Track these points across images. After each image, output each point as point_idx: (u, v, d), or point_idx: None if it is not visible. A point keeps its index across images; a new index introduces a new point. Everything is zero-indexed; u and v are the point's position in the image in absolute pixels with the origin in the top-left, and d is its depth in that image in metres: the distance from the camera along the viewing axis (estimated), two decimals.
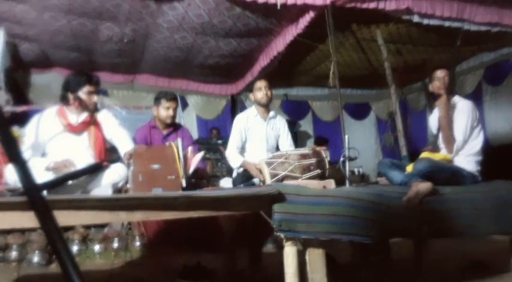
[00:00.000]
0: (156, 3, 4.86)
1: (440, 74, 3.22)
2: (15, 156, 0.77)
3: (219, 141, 7.32)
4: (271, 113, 3.89)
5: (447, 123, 3.07)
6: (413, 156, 3.65)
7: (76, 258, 3.23)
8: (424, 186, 2.55)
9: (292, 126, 8.35)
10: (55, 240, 0.77)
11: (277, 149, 3.89)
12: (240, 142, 3.77)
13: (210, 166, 6.85)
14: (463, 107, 3.12)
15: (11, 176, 2.69)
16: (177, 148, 2.68)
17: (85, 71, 3.49)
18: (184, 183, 2.62)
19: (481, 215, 2.67)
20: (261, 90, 3.74)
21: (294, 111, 8.92)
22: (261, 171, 3.29)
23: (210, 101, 8.46)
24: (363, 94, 9.08)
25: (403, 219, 2.51)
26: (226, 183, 4.05)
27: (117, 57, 6.54)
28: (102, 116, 3.21)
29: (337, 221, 2.26)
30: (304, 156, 2.81)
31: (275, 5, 4.45)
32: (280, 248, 2.57)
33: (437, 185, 2.66)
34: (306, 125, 9.07)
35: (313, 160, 2.79)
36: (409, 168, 2.90)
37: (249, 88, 4.04)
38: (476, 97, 6.87)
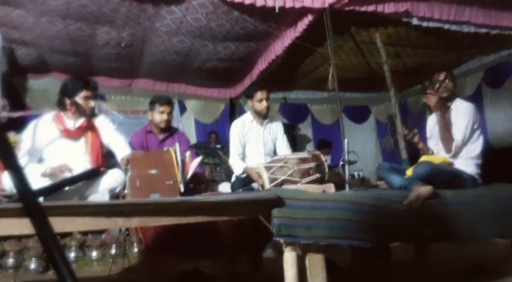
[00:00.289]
0: (153, 8, 4.85)
1: (441, 76, 3.20)
2: (10, 163, 0.75)
3: (218, 146, 7.29)
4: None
5: (444, 123, 3.05)
6: (413, 159, 3.63)
7: (73, 265, 3.22)
8: (425, 189, 2.54)
9: (292, 129, 8.35)
10: (51, 247, 0.75)
11: (276, 152, 3.88)
12: (241, 148, 3.77)
13: (208, 171, 6.83)
14: (464, 109, 3.10)
15: (8, 182, 2.66)
16: (175, 153, 2.66)
17: (82, 76, 3.47)
18: (182, 188, 2.60)
19: (481, 218, 2.66)
20: (261, 102, 3.71)
21: (293, 115, 8.91)
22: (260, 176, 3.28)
23: (209, 105, 8.44)
24: (363, 97, 9.06)
25: (404, 223, 2.49)
26: (225, 188, 4.03)
27: (115, 62, 6.52)
28: (99, 122, 3.18)
29: (337, 225, 2.24)
30: (303, 161, 2.79)
31: (273, 8, 4.45)
32: (279, 253, 2.54)
33: (438, 189, 2.64)
34: (306, 128, 9.06)
35: (312, 164, 2.77)
36: (409, 171, 2.88)
37: (246, 93, 4.01)
38: (476, 99, 6.86)
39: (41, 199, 2.59)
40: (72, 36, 5.48)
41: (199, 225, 2.43)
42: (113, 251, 4.04)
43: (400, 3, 4.67)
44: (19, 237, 3.84)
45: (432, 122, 3.31)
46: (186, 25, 5.27)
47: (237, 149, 3.75)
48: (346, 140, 2.85)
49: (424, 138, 3.37)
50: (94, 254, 4.04)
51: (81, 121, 3.09)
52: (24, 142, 2.99)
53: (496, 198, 2.76)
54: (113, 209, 1.96)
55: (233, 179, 3.76)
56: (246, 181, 3.48)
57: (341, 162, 2.71)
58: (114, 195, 2.93)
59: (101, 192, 2.88)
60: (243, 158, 3.77)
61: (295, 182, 2.67)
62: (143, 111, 7.43)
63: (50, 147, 3.01)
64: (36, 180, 2.63)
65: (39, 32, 5.36)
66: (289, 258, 2.18)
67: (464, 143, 3.03)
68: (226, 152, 4.17)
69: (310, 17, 4.83)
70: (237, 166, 3.70)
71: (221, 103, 8.51)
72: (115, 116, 3.48)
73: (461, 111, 3.09)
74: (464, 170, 2.99)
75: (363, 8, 4.60)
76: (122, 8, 4.80)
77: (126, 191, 2.76)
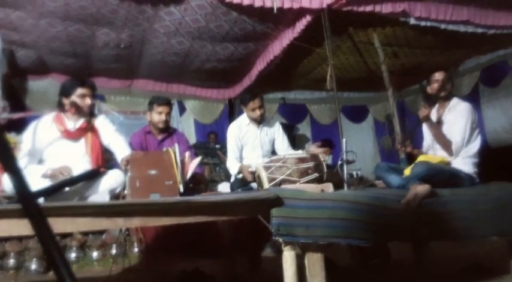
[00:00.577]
0: (152, 9, 4.87)
1: (438, 76, 3.22)
2: (9, 164, 0.77)
3: (217, 146, 7.31)
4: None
5: (437, 132, 3.09)
6: (411, 158, 3.65)
7: (74, 265, 3.24)
8: (423, 188, 2.55)
9: (291, 130, 8.36)
10: (50, 248, 0.76)
11: (274, 152, 3.89)
12: (238, 152, 3.81)
13: (208, 171, 6.84)
14: (462, 109, 3.12)
15: (8, 183, 2.67)
16: (175, 153, 2.67)
17: (80, 76, 3.48)
18: (182, 189, 2.61)
19: (479, 217, 2.67)
20: (254, 111, 3.73)
21: (292, 115, 8.93)
22: (251, 173, 3.31)
23: (208, 106, 8.46)
24: (361, 97, 9.08)
25: (402, 222, 2.51)
26: (224, 188, 4.05)
27: (114, 63, 6.54)
28: (99, 122, 3.20)
29: (336, 225, 2.25)
30: (302, 160, 2.81)
31: (272, 9, 4.47)
32: (279, 252, 2.55)
33: (436, 188, 2.65)
34: (304, 128, 9.08)
35: (311, 164, 2.78)
36: (407, 171, 2.89)
37: (240, 99, 4.01)
38: (473, 99, 6.87)
39: (41, 200, 2.61)
40: (71, 37, 5.50)
41: (198, 225, 2.44)
42: (114, 251, 4.04)
43: (397, 3, 4.70)
44: (20, 238, 3.84)
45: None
46: (185, 26, 5.29)
47: (234, 153, 3.79)
48: (344, 140, 2.86)
49: (421, 138, 3.40)
50: (95, 254, 4.05)
51: (81, 122, 3.10)
52: (25, 143, 3.00)
53: (493, 197, 2.77)
54: (113, 209, 1.98)
55: (232, 179, 3.78)
56: (245, 181, 3.50)
57: (339, 162, 2.72)
58: (114, 195, 2.94)
59: (101, 192, 2.89)
60: (240, 161, 3.80)
61: (293, 182, 2.69)
62: (143, 112, 7.43)
63: (50, 148, 3.02)
64: (37, 181, 2.64)
65: (38, 33, 5.37)
66: (289, 257, 2.19)
67: (465, 143, 3.04)
68: (225, 152, 4.19)
69: (308, 18, 4.86)
70: (232, 167, 3.74)
71: (220, 103, 8.53)
72: (115, 116, 3.50)
73: (459, 112, 3.10)
74: (462, 169, 3.01)
75: (361, 9, 4.63)
76: (121, 10, 4.82)
77: (126, 192, 2.77)
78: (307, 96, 8.94)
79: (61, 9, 4.77)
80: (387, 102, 6.54)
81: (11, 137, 4.15)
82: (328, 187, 2.58)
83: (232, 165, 3.75)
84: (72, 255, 3.96)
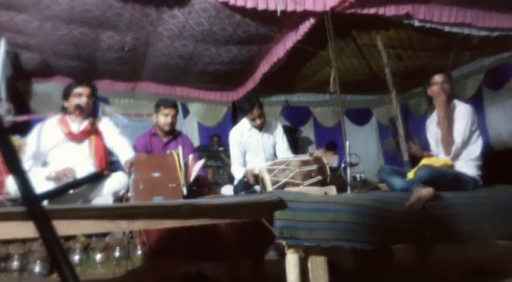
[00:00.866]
0: (156, 12, 4.89)
1: (437, 78, 3.22)
2: (14, 167, 0.77)
3: (220, 149, 7.32)
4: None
5: (446, 125, 3.06)
6: (415, 161, 3.64)
7: (77, 268, 3.25)
8: (426, 191, 2.54)
9: (294, 132, 8.37)
10: (54, 250, 0.77)
11: (275, 155, 3.89)
12: (241, 157, 3.80)
13: (211, 173, 6.85)
14: (462, 111, 3.11)
15: (12, 185, 2.69)
16: (178, 156, 2.68)
17: (83, 78, 3.51)
18: (185, 191, 2.62)
19: (483, 220, 2.66)
20: (254, 120, 3.71)
21: (295, 118, 8.94)
22: (254, 176, 3.30)
23: (211, 108, 8.48)
24: (364, 99, 9.08)
25: (405, 225, 2.50)
26: (227, 190, 4.04)
27: (118, 66, 6.57)
28: (103, 125, 3.22)
29: (339, 228, 2.25)
30: (305, 163, 2.80)
31: (275, 12, 4.48)
32: (282, 255, 2.55)
33: (439, 191, 2.64)
34: (307, 131, 9.08)
35: (314, 167, 2.78)
36: (410, 174, 2.88)
37: (239, 107, 3.97)
38: (476, 101, 6.88)
39: (45, 202, 2.62)
40: (76, 40, 5.53)
41: (202, 228, 2.44)
42: (117, 253, 4.05)
43: (401, 6, 4.70)
44: (24, 240, 3.86)
45: (432, 124, 3.32)
46: (189, 29, 5.31)
47: (238, 158, 3.79)
48: (347, 142, 2.86)
49: (426, 143, 3.39)
50: (98, 256, 4.06)
51: (85, 124, 3.12)
52: (29, 146, 3.02)
53: (497, 200, 2.76)
54: (117, 211, 1.98)
55: (236, 181, 3.78)
56: (248, 184, 3.50)
57: (343, 165, 2.72)
58: (118, 198, 2.95)
59: (104, 195, 2.90)
60: (245, 165, 3.80)
61: (297, 185, 2.69)
62: (147, 115, 7.47)
63: (54, 151, 3.03)
64: (41, 184, 2.65)
65: (43, 36, 5.40)
66: (292, 260, 2.19)
67: (464, 145, 3.04)
68: (229, 155, 4.18)
69: (311, 20, 4.86)
70: (236, 172, 3.75)
71: (224, 106, 8.55)
72: (119, 119, 3.51)
73: (459, 113, 3.09)
74: (465, 172, 2.99)
75: (364, 11, 4.63)
76: (125, 13, 4.85)
77: (129, 194, 2.78)
78: (310, 99, 8.94)
79: (66, 12, 4.80)
80: (391, 104, 6.52)
81: (16, 139, 4.17)
82: (332, 190, 2.58)
83: (237, 171, 3.76)
84: (76, 257, 3.97)
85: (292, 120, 8.85)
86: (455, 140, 3.01)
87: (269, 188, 2.72)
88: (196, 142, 7.79)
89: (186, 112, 8.31)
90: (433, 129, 3.32)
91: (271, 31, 5.43)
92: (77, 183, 2.81)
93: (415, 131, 8.05)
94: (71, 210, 1.93)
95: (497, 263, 3.12)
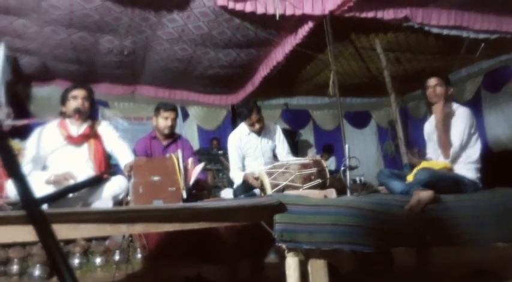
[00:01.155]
0: (155, 16, 4.90)
1: (432, 82, 3.22)
2: (14, 171, 0.77)
3: (220, 152, 7.32)
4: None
5: (443, 128, 3.06)
6: (414, 164, 3.64)
7: (77, 271, 3.24)
8: (426, 194, 2.54)
9: (293, 135, 8.38)
10: (54, 254, 0.77)
11: (275, 157, 3.88)
12: (240, 162, 3.79)
13: (211, 177, 6.84)
14: (460, 113, 3.11)
15: (12, 189, 2.69)
16: (178, 159, 2.67)
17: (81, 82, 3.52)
18: (185, 195, 2.61)
19: (483, 223, 2.65)
20: (253, 125, 3.69)
21: (295, 121, 8.95)
22: (257, 179, 3.30)
23: (211, 112, 8.49)
24: (363, 102, 9.09)
25: (405, 228, 2.50)
26: (227, 193, 4.04)
27: (118, 69, 6.58)
28: (103, 128, 3.22)
29: (339, 231, 2.25)
30: (304, 166, 2.80)
31: (274, 15, 4.49)
32: (282, 258, 2.55)
33: (439, 194, 2.64)
34: (307, 134, 9.09)
35: (313, 170, 2.78)
36: (410, 177, 2.89)
37: (238, 113, 3.95)
38: (475, 104, 6.89)
39: (45, 206, 2.62)
40: (75, 44, 5.54)
41: (202, 231, 2.44)
42: (117, 257, 4.05)
43: (399, 9, 4.71)
44: (23, 244, 3.85)
45: (430, 127, 3.32)
46: (188, 33, 5.32)
47: (237, 163, 3.78)
48: (347, 146, 2.86)
49: (424, 144, 3.39)
50: (98, 260, 4.06)
51: (84, 127, 3.12)
52: (29, 150, 3.02)
53: (497, 203, 2.76)
54: (117, 215, 1.98)
55: (235, 185, 3.78)
56: (248, 187, 3.49)
57: (342, 168, 2.72)
58: (118, 201, 2.95)
59: (104, 199, 2.90)
60: (243, 170, 3.79)
61: (296, 188, 2.68)
62: (146, 118, 7.48)
63: (53, 154, 3.04)
64: (40, 187, 2.65)
65: (42, 40, 5.41)
66: (292, 263, 2.18)
67: (463, 148, 3.04)
68: (228, 159, 4.18)
69: (310, 24, 4.88)
70: (236, 177, 3.73)
71: (223, 109, 8.56)
72: (118, 122, 3.51)
73: (458, 116, 3.09)
74: (465, 175, 2.99)
75: (363, 15, 4.64)
76: (125, 17, 4.86)
77: (129, 198, 2.78)
78: (309, 102, 8.95)
79: (65, 17, 4.81)
80: (390, 107, 6.54)
81: (15, 143, 4.18)
82: (331, 193, 2.58)
83: (236, 175, 3.74)
84: (75, 261, 3.97)
85: (292, 124, 8.86)
86: (453, 143, 3.02)
87: (269, 191, 2.72)
88: (195, 145, 7.79)
89: (185, 115, 8.32)
90: (430, 132, 3.32)
91: (270, 35, 5.45)
92: (76, 187, 2.81)
93: (415, 134, 8.06)
94: (70, 214, 1.93)
95: (497, 266, 3.11)
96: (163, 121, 3.67)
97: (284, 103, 8.82)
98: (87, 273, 3.90)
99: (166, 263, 3.43)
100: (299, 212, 2.23)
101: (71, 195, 2.81)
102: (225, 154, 6.79)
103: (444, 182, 2.83)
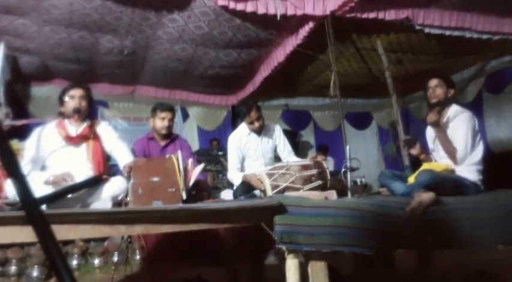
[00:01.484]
0: (156, 16, 4.89)
1: (432, 83, 3.21)
2: (13, 170, 0.76)
3: (220, 153, 7.30)
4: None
5: (444, 137, 3.06)
6: (415, 165, 3.63)
7: (75, 272, 3.22)
8: (427, 196, 2.53)
9: (294, 136, 8.36)
10: (53, 255, 0.76)
11: (276, 158, 3.86)
12: (239, 163, 3.76)
13: (210, 178, 6.82)
14: (462, 117, 3.10)
15: (11, 190, 2.67)
16: (177, 160, 2.66)
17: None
18: (184, 196, 2.60)
19: (485, 225, 2.64)
20: (253, 124, 3.67)
21: (295, 122, 8.93)
22: (261, 181, 3.27)
23: (211, 112, 8.47)
24: (364, 103, 9.07)
25: (406, 230, 2.48)
26: (227, 195, 4.02)
27: (118, 69, 6.56)
28: (102, 129, 3.21)
29: (339, 233, 2.23)
30: (305, 167, 2.79)
31: (275, 15, 4.48)
32: (282, 260, 2.54)
33: (440, 196, 2.63)
34: (308, 135, 9.07)
35: (314, 171, 2.77)
36: (411, 179, 2.87)
37: (237, 112, 3.94)
38: (476, 105, 6.88)
39: (43, 207, 2.60)
40: (75, 44, 5.53)
41: (201, 233, 2.42)
42: (115, 258, 4.03)
43: (400, 10, 4.70)
44: (22, 245, 3.84)
45: (432, 131, 3.30)
46: (188, 33, 5.31)
47: (235, 164, 3.75)
48: (348, 147, 2.84)
49: (425, 145, 3.37)
50: (96, 261, 4.04)
51: (82, 127, 3.11)
52: (28, 150, 3.01)
53: (499, 205, 2.74)
54: (115, 216, 1.96)
55: (235, 186, 3.75)
56: (248, 188, 3.47)
57: (343, 169, 2.70)
58: (117, 202, 2.93)
59: (103, 199, 2.89)
60: (242, 171, 3.76)
61: (297, 189, 2.67)
62: (146, 118, 7.44)
63: (52, 155, 3.02)
64: (39, 188, 2.64)
65: (42, 40, 5.40)
66: (292, 265, 2.17)
67: (469, 150, 3.02)
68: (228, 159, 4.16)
69: (311, 24, 4.86)
70: (234, 178, 3.70)
71: (223, 110, 8.54)
72: (118, 122, 3.50)
73: (460, 120, 3.08)
74: (467, 177, 2.98)
75: (364, 15, 4.63)
76: (125, 17, 4.84)
77: (128, 199, 2.76)
78: (310, 103, 8.93)
79: (65, 16, 4.80)
80: (391, 109, 6.51)
81: (14, 143, 4.16)
82: (332, 194, 2.57)
83: (235, 176, 3.71)
84: (74, 262, 3.95)
85: (292, 124, 8.84)
86: (459, 147, 3.00)
87: (269, 192, 2.70)
88: (195, 146, 7.77)
89: (185, 116, 8.30)
90: (432, 134, 3.31)
91: (271, 35, 5.43)
92: (75, 188, 2.80)
93: (418, 135, 8.03)
94: (69, 214, 1.91)
95: (499, 269, 3.10)
96: (160, 122, 3.66)
97: (285, 104, 8.80)
98: (85, 275, 3.88)
99: (165, 265, 3.42)
100: (299, 214, 2.21)
101: (69, 195, 2.79)
102: (225, 155, 6.77)
103: (446, 184, 2.81)
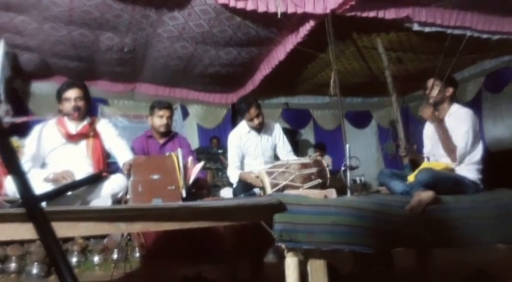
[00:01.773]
0: (156, 14, 4.88)
1: (429, 83, 3.22)
2: (14, 168, 0.77)
3: (220, 151, 7.30)
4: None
5: (444, 133, 3.05)
6: (415, 164, 3.63)
7: (75, 270, 3.22)
8: (427, 195, 2.53)
9: (294, 135, 8.35)
10: (53, 252, 0.76)
11: (276, 156, 3.87)
12: (238, 161, 3.77)
13: (210, 176, 6.83)
14: (463, 115, 3.10)
15: (11, 187, 2.68)
16: (177, 158, 2.66)
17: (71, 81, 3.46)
18: (184, 194, 2.60)
19: (484, 224, 2.64)
20: (253, 120, 3.67)
21: (295, 120, 8.92)
22: (258, 177, 3.28)
23: (211, 110, 8.46)
24: (364, 102, 9.06)
25: (406, 229, 2.48)
26: (226, 193, 4.03)
27: (118, 67, 6.56)
28: (102, 126, 3.20)
29: (339, 231, 2.23)
30: (304, 166, 2.79)
31: (275, 14, 4.47)
32: (281, 258, 2.54)
33: (440, 195, 2.63)
34: (307, 133, 9.06)
35: (314, 169, 2.77)
36: (411, 177, 2.87)
37: (237, 109, 3.94)
38: (476, 104, 6.87)
39: (43, 204, 2.60)
40: (75, 41, 5.52)
41: (201, 231, 2.43)
42: (115, 256, 4.04)
43: (401, 9, 4.70)
44: (21, 242, 3.85)
45: (430, 130, 3.30)
46: (189, 31, 5.30)
47: (235, 162, 3.75)
48: (347, 145, 2.84)
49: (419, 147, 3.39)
50: (96, 258, 4.05)
51: (82, 125, 3.11)
52: (28, 147, 3.01)
53: (498, 204, 2.75)
54: (115, 214, 1.97)
55: (235, 184, 3.76)
56: (247, 186, 3.48)
57: (343, 168, 2.71)
58: (117, 200, 2.93)
59: (103, 197, 2.89)
60: (241, 169, 3.76)
61: (296, 187, 2.67)
62: (146, 116, 7.41)
63: (52, 152, 3.02)
64: (39, 185, 2.64)
65: (42, 37, 5.39)
66: (291, 263, 2.17)
67: (468, 149, 3.02)
68: (227, 157, 4.16)
69: (311, 23, 4.86)
70: (232, 175, 3.71)
71: (223, 108, 8.53)
72: (118, 120, 3.50)
73: (461, 118, 3.08)
74: (466, 176, 2.98)
75: (364, 14, 4.63)
76: (125, 14, 4.84)
77: (128, 196, 2.76)
78: (310, 101, 8.92)
79: (65, 13, 4.79)
80: (391, 107, 6.51)
81: (14, 140, 4.16)
82: (332, 193, 2.57)
83: (233, 174, 3.72)
84: (74, 259, 3.96)
85: (292, 123, 8.83)
86: (459, 145, 3.00)
87: (268, 190, 2.70)
88: (195, 144, 7.77)
89: (185, 114, 8.30)
90: (430, 133, 3.31)
91: (271, 33, 5.43)
92: (75, 185, 2.80)
93: (416, 134, 8.03)
94: (70, 212, 1.91)
95: (498, 268, 3.11)
96: (158, 120, 3.67)
97: (284, 102, 8.79)
98: (85, 272, 3.89)
99: (164, 262, 3.43)
100: (299, 212, 2.21)
101: (69, 193, 2.79)
102: (225, 153, 6.78)
103: (445, 183, 2.81)
